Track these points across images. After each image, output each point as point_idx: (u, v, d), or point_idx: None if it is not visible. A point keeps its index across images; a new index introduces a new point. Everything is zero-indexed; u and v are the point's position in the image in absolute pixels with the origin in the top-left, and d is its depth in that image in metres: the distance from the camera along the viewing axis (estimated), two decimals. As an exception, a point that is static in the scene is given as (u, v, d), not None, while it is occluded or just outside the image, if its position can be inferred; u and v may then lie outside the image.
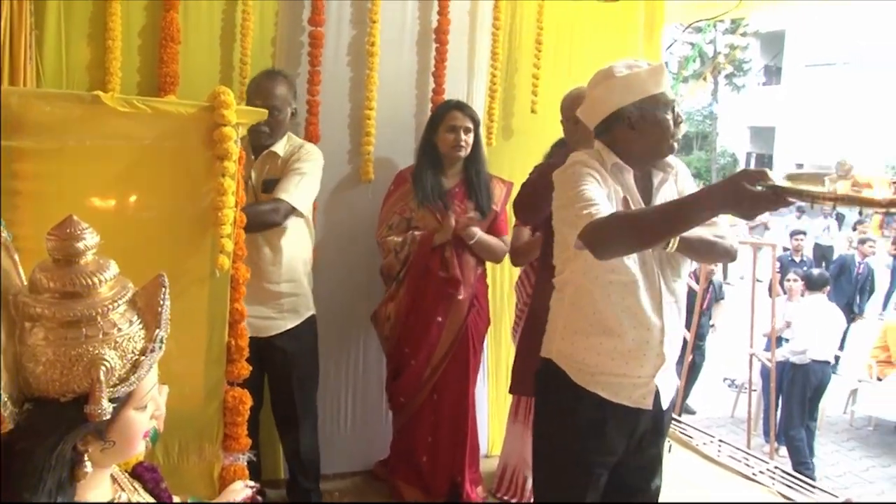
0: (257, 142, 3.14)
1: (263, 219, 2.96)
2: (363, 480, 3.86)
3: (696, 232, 2.17)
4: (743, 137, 28.29)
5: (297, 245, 3.21)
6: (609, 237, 2.02)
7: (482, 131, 3.71)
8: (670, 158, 2.35)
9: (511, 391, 3.53)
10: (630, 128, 2.24)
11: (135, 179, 2.28)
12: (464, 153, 3.40)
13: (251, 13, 3.41)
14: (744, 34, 9.31)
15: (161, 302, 1.19)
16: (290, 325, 3.24)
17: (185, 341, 2.35)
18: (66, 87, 3.08)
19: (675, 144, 2.28)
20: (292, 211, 3.04)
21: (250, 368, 2.51)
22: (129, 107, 2.21)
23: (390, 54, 3.77)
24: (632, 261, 2.21)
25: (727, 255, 2.36)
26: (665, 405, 2.34)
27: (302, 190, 3.07)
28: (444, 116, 3.42)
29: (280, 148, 3.17)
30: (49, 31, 3.11)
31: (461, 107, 3.45)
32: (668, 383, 2.33)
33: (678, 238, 2.16)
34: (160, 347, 1.18)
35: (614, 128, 2.27)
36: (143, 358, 1.15)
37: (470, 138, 3.40)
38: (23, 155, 2.15)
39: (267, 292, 3.14)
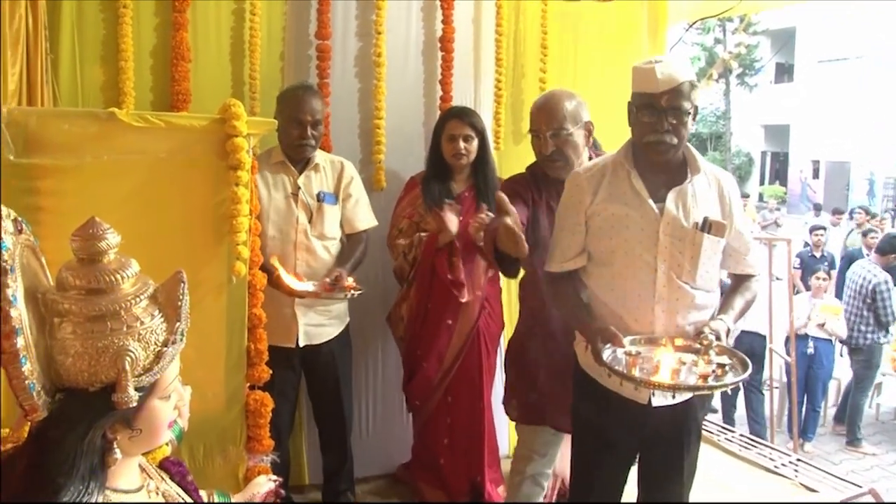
0: (301, 155, 3.23)
1: (364, 257, 3.39)
2: (386, 483, 3.91)
3: (736, 305, 2.40)
4: (757, 136, 28.17)
5: (336, 253, 3.34)
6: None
7: (490, 136, 3.75)
8: (711, 170, 2.40)
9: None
10: (630, 121, 2.31)
11: (151, 192, 2.36)
12: (465, 161, 3.41)
13: (258, 30, 3.49)
14: (753, 32, 9.34)
15: (180, 296, 1.25)
16: (336, 332, 3.36)
17: (205, 347, 2.43)
18: (82, 108, 3.16)
19: (662, 148, 2.26)
20: None
21: (270, 372, 2.57)
22: (143, 122, 2.30)
23: (397, 64, 3.84)
24: (624, 248, 2.33)
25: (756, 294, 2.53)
26: (660, 403, 2.35)
27: (369, 210, 3.44)
28: (444, 126, 3.45)
29: (320, 159, 3.30)
30: (64, 55, 3.20)
31: (460, 115, 3.44)
32: None
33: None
34: (181, 339, 1.25)
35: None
36: (165, 349, 1.21)
37: (472, 145, 3.39)
38: (43, 172, 2.24)
39: (320, 300, 3.24)
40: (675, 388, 2.09)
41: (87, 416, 1.15)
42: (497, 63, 4.09)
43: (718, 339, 2.18)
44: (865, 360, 6.79)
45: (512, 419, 3.22)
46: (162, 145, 2.35)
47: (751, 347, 6.02)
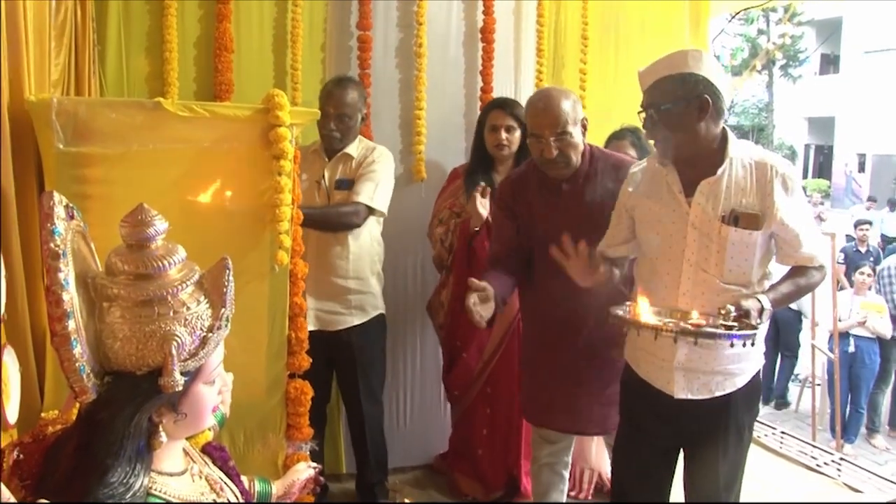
0: (330, 145, 3.28)
1: (344, 220, 3.19)
2: (423, 474, 3.93)
3: (784, 288, 2.29)
4: (801, 129, 27.70)
5: (365, 244, 3.32)
6: None
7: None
8: (753, 156, 2.28)
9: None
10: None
11: (195, 180, 2.37)
12: (507, 151, 3.39)
13: (300, 20, 3.54)
14: (798, 23, 9.16)
15: (226, 283, 1.26)
16: (356, 322, 3.34)
17: (246, 335, 2.45)
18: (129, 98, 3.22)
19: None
20: (370, 212, 3.21)
21: (311, 360, 2.59)
22: (188, 111, 2.32)
23: (437, 55, 3.86)
24: (658, 241, 2.34)
25: (818, 285, 2.41)
26: (689, 395, 2.32)
27: (379, 192, 3.24)
28: (487, 116, 3.45)
29: (353, 150, 3.30)
30: (110, 46, 3.28)
31: (503, 105, 3.43)
32: (694, 376, 2.32)
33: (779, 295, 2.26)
34: (226, 325, 1.26)
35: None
36: (210, 335, 1.23)
37: (514, 136, 3.37)
38: (90, 161, 2.27)
39: (335, 287, 3.26)
40: (640, 326, 2.11)
41: (134, 399, 1.17)
42: (538, 54, 4.08)
43: (746, 315, 2.07)
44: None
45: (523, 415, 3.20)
46: (206, 134, 2.37)
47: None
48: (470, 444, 3.62)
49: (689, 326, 2.08)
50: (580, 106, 2.71)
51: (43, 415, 1.55)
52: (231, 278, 1.28)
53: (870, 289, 6.67)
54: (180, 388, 1.17)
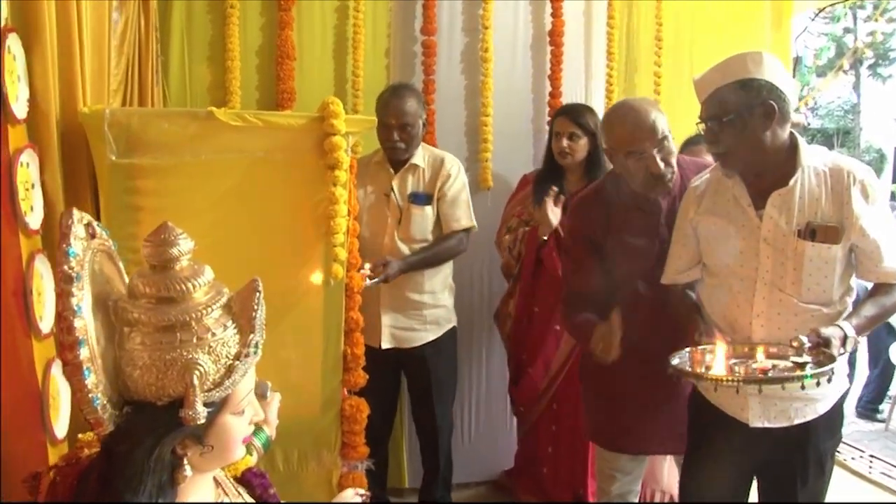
0: (394, 157, 3.20)
1: (453, 253, 3.29)
2: (488, 490, 3.81)
3: (867, 311, 2.10)
4: (890, 132, 26.60)
5: None
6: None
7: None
8: (828, 162, 2.10)
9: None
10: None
11: (249, 191, 2.33)
12: (570, 159, 3.25)
13: (362, 27, 3.48)
14: (889, 20, 8.71)
15: (255, 307, 1.18)
16: (432, 337, 3.29)
17: (301, 350, 2.40)
18: (182, 108, 3.20)
19: None
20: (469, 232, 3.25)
21: (367, 377, 2.51)
22: (241, 121, 2.27)
23: (504, 60, 3.75)
24: (727, 259, 2.19)
25: None
26: (766, 423, 2.16)
27: (469, 210, 3.29)
28: (554, 122, 3.35)
29: (419, 160, 3.23)
30: (174, 56, 3.29)
31: (569, 112, 3.31)
32: (770, 402, 2.15)
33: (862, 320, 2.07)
34: (255, 352, 1.17)
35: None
36: (237, 363, 1.14)
37: (579, 144, 3.23)
38: (143, 172, 2.25)
39: (410, 302, 3.22)
40: (701, 379, 2.00)
41: (154, 431, 1.09)
42: (609, 58, 3.94)
43: (827, 345, 1.90)
44: None
45: (588, 438, 3.02)
46: (260, 144, 2.32)
47: None
48: (535, 461, 3.49)
49: (756, 369, 1.93)
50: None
51: (80, 436, 1.49)
52: (261, 301, 1.19)
53: None
54: (203, 420, 1.09)
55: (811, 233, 2.06)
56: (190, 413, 1.07)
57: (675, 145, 2.48)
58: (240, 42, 3.34)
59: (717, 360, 1.98)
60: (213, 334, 1.12)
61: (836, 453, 4.24)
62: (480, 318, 3.77)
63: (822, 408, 2.18)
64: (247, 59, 3.38)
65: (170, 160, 2.25)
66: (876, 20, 8.58)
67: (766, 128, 2.04)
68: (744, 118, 2.03)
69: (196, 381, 1.08)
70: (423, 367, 3.29)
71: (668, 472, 3.49)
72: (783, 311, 2.10)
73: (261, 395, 1.72)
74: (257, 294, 1.19)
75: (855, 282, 2.20)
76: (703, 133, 2.17)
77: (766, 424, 2.16)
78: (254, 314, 1.17)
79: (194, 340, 1.10)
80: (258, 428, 1.66)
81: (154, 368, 1.09)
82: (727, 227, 2.17)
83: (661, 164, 2.38)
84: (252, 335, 1.17)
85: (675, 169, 2.46)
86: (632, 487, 2.81)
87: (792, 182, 2.08)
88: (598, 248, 2.54)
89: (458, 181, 3.24)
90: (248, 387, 1.20)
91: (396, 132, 3.11)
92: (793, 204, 2.08)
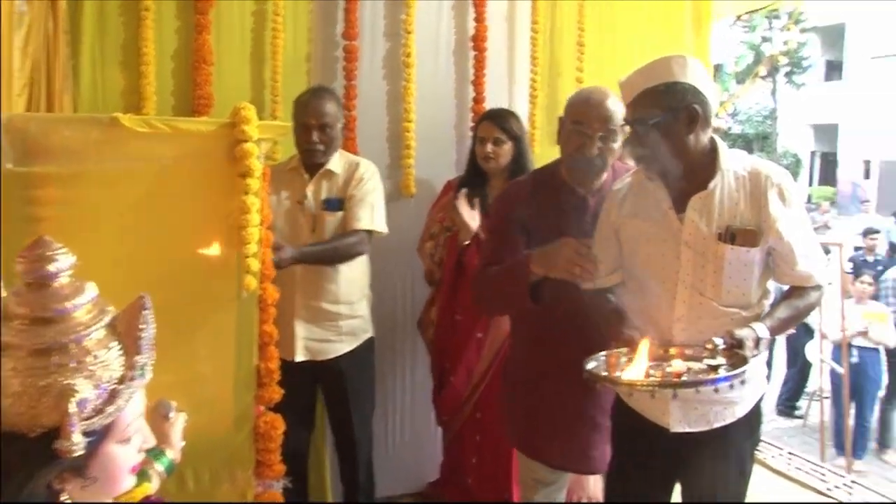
0: (311, 160, 3.11)
1: (352, 252, 3.08)
2: (414, 503, 3.75)
3: (781, 313, 2.10)
4: (806, 136, 27.47)
5: (355, 266, 3.17)
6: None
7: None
8: (747, 166, 2.11)
9: None
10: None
11: (157, 201, 2.22)
12: (494, 164, 3.24)
13: (281, 31, 3.38)
14: (802, 30, 8.97)
15: (141, 326, 1.10)
16: (348, 348, 3.20)
17: (212, 365, 2.30)
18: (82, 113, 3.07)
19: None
20: (371, 236, 3.11)
21: (282, 392, 2.43)
22: (147, 127, 2.16)
23: (427, 64, 3.71)
24: (648, 262, 2.17)
25: (817, 306, 2.21)
26: (687, 428, 2.16)
27: (377, 213, 3.13)
28: (478, 127, 3.33)
29: (335, 165, 3.14)
30: (84, 60, 3.14)
31: (492, 116, 3.29)
32: (690, 406, 2.15)
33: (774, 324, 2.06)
34: (142, 375, 1.09)
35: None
36: (121, 387, 1.06)
37: (503, 149, 3.22)
38: (43, 181, 2.13)
39: (325, 313, 3.12)
40: (615, 383, 1.97)
41: (25, 465, 1.00)
42: (532, 62, 3.93)
43: (740, 347, 1.90)
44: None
45: (511, 444, 2.94)
46: (168, 151, 2.22)
47: None
48: (460, 471, 3.44)
49: (671, 373, 1.91)
50: None
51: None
52: (149, 320, 1.11)
53: (871, 297, 6.45)
54: (80, 451, 1.00)
55: (731, 236, 2.06)
56: (66, 444, 0.99)
57: (618, 150, 2.45)
58: (155, 46, 3.19)
59: (633, 363, 1.96)
60: (95, 357, 1.05)
61: (757, 451, 4.34)
62: (404, 326, 3.72)
63: (741, 411, 2.19)
64: (162, 63, 3.24)
65: (71, 168, 2.14)
66: (789, 29, 8.82)
67: (690, 131, 2.04)
68: (668, 121, 2.03)
69: (72, 409, 1.00)
70: (339, 379, 3.19)
71: (595, 481, 3.48)
72: (703, 315, 2.10)
73: (164, 415, 1.63)
74: (144, 312, 1.11)
75: (772, 285, 2.22)
76: (627, 135, 2.17)
77: (687, 429, 2.16)
78: (140, 334, 1.09)
79: (72, 364, 1.02)
80: (160, 451, 1.58)
81: (25, 396, 1.00)
82: (648, 230, 2.16)
83: (595, 151, 2.37)
84: (138, 356, 1.09)
85: (608, 167, 2.45)
86: (556, 497, 2.78)
87: (712, 186, 2.08)
88: (522, 230, 2.50)
89: (368, 184, 3.13)
90: (135, 412, 1.12)
91: (316, 132, 3.02)
92: (713, 207, 2.08)
